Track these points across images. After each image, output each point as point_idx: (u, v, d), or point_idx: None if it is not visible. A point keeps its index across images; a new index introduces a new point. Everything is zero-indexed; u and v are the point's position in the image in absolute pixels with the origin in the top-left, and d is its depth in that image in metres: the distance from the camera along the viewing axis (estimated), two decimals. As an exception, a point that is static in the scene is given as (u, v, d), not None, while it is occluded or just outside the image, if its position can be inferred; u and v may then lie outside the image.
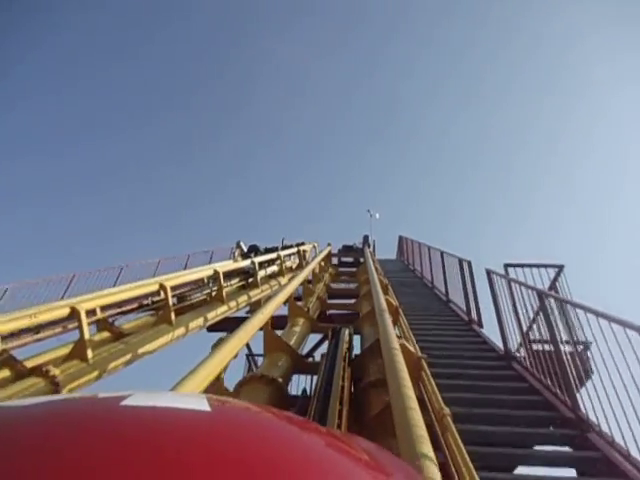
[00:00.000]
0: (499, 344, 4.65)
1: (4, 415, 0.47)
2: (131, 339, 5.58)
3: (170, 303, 6.14)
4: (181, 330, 6.29)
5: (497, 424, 3.27)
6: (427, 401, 2.33)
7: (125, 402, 0.48)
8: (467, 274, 6.41)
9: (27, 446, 0.37)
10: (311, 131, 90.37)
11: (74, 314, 4.67)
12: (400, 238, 17.16)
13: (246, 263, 9.34)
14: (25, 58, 52.79)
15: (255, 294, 9.03)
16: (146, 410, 0.47)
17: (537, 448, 3.16)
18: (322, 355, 4.72)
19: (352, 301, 8.57)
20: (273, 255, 10.80)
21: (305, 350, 7.05)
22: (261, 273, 9.90)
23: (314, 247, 14.35)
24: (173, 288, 7.12)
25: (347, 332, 4.23)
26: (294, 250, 12.46)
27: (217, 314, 7.34)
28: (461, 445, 1.74)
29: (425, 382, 2.59)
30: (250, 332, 3.24)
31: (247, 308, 9.44)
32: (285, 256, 11.50)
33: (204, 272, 7.86)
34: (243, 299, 8.44)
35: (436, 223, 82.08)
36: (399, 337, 3.21)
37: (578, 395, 3.21)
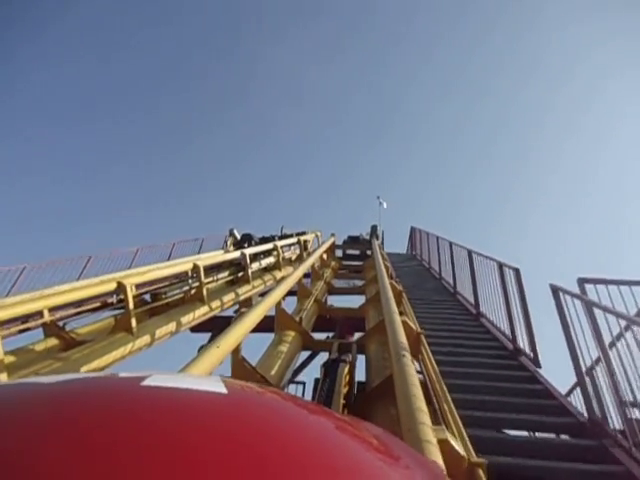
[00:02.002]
0: (569, 396, 3.31)
1: (27, 392, 0.48)
2: (73, 353, 4.41)
3: (131, 306, 4.94)
4: (145, 339, 5.11)
5: None
6: None
7: (145, 382, 0.48)
8: (513, 287, 4.76)
9: (52, 424, 0.38)
10: (319, 121, 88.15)
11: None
12: (412, 230, 15.67)
13: (235, 255, 8.12)
14: (26, 43, 51.35)
15: (245, 291, 7.83)
16: (165, 391, 0.48)
17: None
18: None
19: (357, 303, 7.42)
20: (269, 245, 9.56)
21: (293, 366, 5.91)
22: (254, 266, 8.71)
23: (317, 236, 13.09)
24: (140, 286, 5.96)
25: (346, 369, 3.04)
26: (294, 240, 11.21)
27: (195, 317, 6.15)
28: None
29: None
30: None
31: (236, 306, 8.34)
32: (283, 246, 10.27)
33: (181, 266, 6.63)
34: (229, 297, 7.24)
35: (445, 215, 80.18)
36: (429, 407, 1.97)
37: None
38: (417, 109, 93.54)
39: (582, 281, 3.22)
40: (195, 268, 6.37)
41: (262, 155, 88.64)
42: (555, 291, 3.47)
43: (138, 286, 6.02)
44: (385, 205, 22.13)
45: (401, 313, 4.61)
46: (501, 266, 5.27)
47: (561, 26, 68.16)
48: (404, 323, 3.06)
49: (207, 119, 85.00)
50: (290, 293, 6.48)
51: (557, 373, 4.10)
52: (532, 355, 4.22)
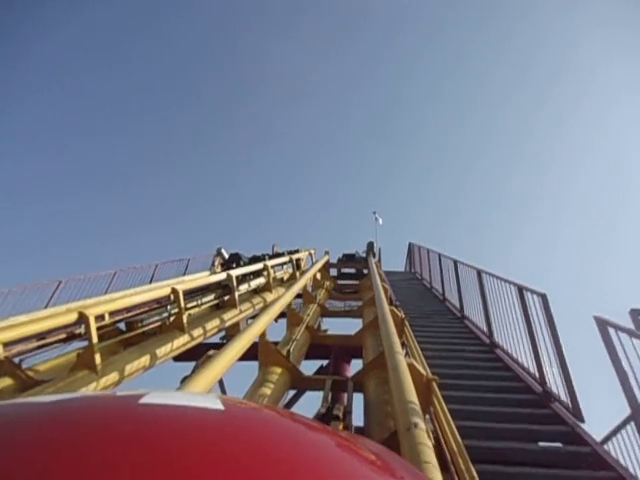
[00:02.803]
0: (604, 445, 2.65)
1: (25, 412, 0.47)
2: (26, 397, 3.77)
3: (94, 340, 4.33)
4: (111, 376, 4.49)
5: None
6: None
7: (143, 400, 0.48)
8: (539, 315, 3.91)
9: (50, 443, 0.37)
10: (308, 135, 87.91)
11: None
12: (410, 246, 15.06)
13: (221, 276, 7.52)
14: (25, 54, 51.34)
15: (231, 316, 7.21)
16: (163, 408, 0.48)
17: None
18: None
19: (352, 325, 6.82)
20: (259, 265, 8.97)
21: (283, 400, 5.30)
22: (243, 288, 8.12)
23: (310, 254, 12.50)
24: (115, 313, 5.37)
25: (340, 427, 2.46)
26: (286, 259, 10.60)
27: (173, 348, 5.52)
28: None
29: None
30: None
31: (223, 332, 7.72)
32: (274, 266, 9.68)
33: (158, 291, 6.02)
34: (213, 324, 6.62)
35: (438, 226, 79.77)
36: None
37: None
38: (409, 115, 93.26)
39: (637, 313, 2.62)
40: (174, 293, 5.76)
41: (251, 172, 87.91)
42: (602, 325, 2.78)
43: (112, 314, 5.44)
44: (381, 221, 21.58)
45: (403, 344, 4.03)
46: (521, 290, 4.45)
47: (550, 23, 68.33)
48: (411, 366, 2.47)
49: (189, 134, 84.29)
50: (281, 315, 5.89)
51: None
52: (570, 404, 3.41)
